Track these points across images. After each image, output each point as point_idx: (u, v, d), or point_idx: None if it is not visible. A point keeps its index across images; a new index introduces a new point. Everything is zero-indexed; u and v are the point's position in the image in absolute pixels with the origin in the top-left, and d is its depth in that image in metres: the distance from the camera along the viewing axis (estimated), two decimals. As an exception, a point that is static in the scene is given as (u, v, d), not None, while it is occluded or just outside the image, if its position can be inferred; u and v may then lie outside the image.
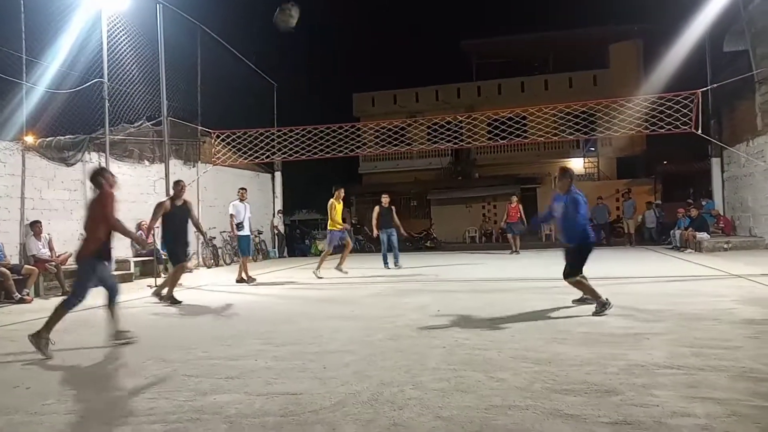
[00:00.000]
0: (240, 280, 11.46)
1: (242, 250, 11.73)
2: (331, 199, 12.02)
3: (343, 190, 12.18)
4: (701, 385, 3.70)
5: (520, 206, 17.11)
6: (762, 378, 3.79)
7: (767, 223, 15.01)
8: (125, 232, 5.92)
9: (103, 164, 12.73)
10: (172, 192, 9.46)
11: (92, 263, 5.68)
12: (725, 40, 16.46)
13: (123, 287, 11.13)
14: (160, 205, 9.06)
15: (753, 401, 3.36)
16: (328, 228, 12.19)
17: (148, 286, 11.05)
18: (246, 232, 11.56)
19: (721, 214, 17.32)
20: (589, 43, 30.00)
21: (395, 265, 13.50)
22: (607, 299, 6.51)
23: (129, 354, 5.35)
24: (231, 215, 11.45)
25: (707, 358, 4.33)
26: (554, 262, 8.72)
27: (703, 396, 3.48)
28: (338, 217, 12.06)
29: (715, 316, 6.06)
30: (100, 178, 5.92)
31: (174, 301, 8.77)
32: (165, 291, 8.93)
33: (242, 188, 11.93)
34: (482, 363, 4.48)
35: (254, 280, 11.46)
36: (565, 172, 6.91)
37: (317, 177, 26.97)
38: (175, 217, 8.94)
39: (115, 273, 12.23)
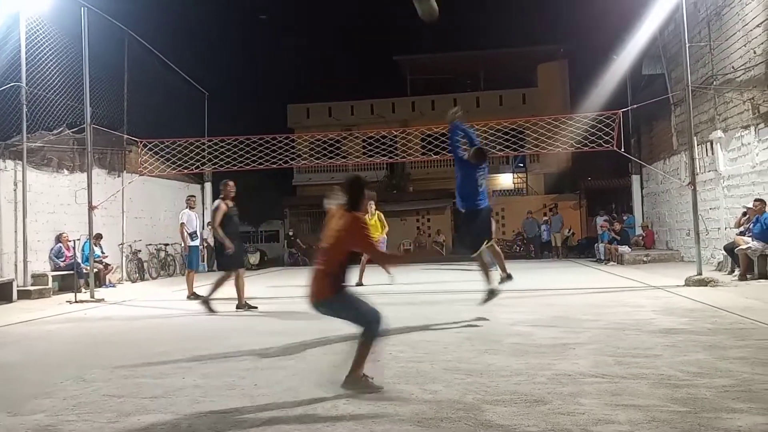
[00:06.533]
0: (192, 296, 10.27)
1: (190, 262, 10.86)
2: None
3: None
4: (624, 392, 3.85)
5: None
6: (679, 384, 3.99)
7: (682, 237, 15.90)
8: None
9: (20, 173, 12.02)
10: (221, 192, 9.02)
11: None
12: (643, 63, 17.43)
13: (42, 303, 10.59)
14: (218, 207, 8.63)
15: (671, 407, 3.52)
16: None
17: (68, 302, 10.48)
18: (196, 243, 10.86)
19: (648, 227, 18.11)
20: (518, 62, 31.08)
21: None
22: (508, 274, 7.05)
23: (45, 373, 5.03)
24: (182, 224, 10.53)
25: (629, 367, 4.51)
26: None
27: (625, 403, 3.62)
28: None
29: (636, 326, 6.34)
30: (361, 195, 4.26)
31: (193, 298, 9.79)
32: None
33: (191, 196, 11.29)
34: (416, 375, 4.50)
35: (198, 297, 10.31)
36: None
37: (250, 188, 26.42)
38: (231, 219, 8.64)
39: (32, 288, 11.61)
